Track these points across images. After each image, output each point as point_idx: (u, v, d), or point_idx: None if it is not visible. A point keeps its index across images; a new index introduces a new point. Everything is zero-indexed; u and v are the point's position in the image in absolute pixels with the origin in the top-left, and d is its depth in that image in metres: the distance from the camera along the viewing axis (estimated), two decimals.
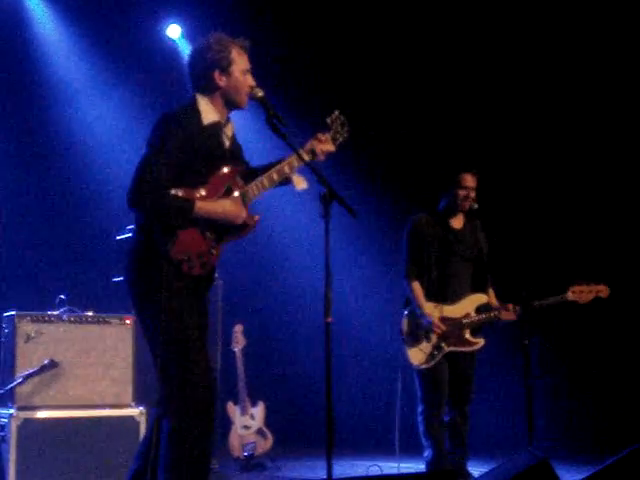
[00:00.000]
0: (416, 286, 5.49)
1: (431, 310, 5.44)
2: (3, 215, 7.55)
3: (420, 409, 5.48)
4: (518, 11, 8.02)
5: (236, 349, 6.97)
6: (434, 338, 5.41)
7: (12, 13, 7.87)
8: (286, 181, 4.04)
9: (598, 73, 7.87)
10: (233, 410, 6.85)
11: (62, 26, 8.17)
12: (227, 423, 6.81)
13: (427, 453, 5.45)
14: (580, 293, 5.47)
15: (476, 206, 5.59)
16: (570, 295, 5.47)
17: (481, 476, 4.46)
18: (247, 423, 6.85)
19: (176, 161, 3.71)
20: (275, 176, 3.96)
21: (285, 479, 6.39)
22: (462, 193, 5.54)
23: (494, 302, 5.60)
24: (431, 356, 5.41)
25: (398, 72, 8.57)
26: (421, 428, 5.47)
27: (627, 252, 7.78)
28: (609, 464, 3.76)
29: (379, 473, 5.60)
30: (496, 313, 5.50)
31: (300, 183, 4.03)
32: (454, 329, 5.43)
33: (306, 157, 3.94)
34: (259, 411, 6.92)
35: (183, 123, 3.78)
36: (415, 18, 8.39)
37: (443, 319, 5.44)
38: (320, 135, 4.06)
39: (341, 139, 4.15)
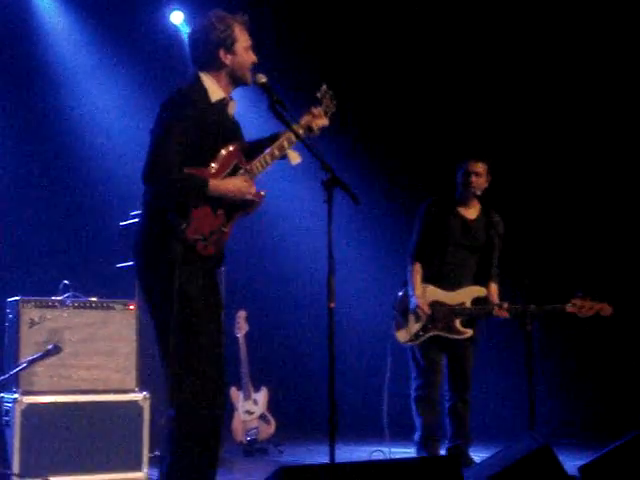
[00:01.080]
0: (415, 268, 5.59)
1: (422, 293, 5.52)
2: (6, 201, 7.56)
3: (413, 387, 5.60)
4: (529, 3, 8.02)
5: (239, 335, 6.99)
6: (424, 319, 5.50)
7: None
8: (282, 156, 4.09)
9: (611, 76, 7.88)
10: (236, 395, 6.87)
11: (66, 13, 8.17)
12: (230, 408, 6.84)
13: (417, 434, 5.57)
14: (581, 308, 5.49)
15: (478, 193, 5.62)
16: (569, 307, 5.49)
17: (483, 461, 4.48)
18: (250, 408, 6.87)
19: (189, 140, 3.73)
20: (276, 152, 4.00)
21: (288, 464, 6.41)
22: (465, 179, 5.59)
23: (494, 298, 5.64)
24: (416, 336, 5.52)
25: (405, 66, 8.54)
26: (413, 407, 5.59)
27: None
28: (611, 449, 3.78)
29: (382, 458, 5.62)
30: (489, 308, 5.55)
31: (295, 158, 4.08)
32: (444, 315, 5.51)
33: (302, 131, 4.00)
34: (262, 396, 6.95)
35: (192, 101, 3.80)
36: (428, 5, 8.37)
37: (435, 303, 5.53)
38: (314, 109, 4.11)
39: (330, 113, 4.20)
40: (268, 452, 6.79)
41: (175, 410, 3.66)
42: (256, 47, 3.99)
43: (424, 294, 5.54)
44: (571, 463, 4.41)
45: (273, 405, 7.01)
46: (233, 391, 6.87)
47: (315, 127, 4.08)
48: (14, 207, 7.57)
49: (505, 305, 5.50)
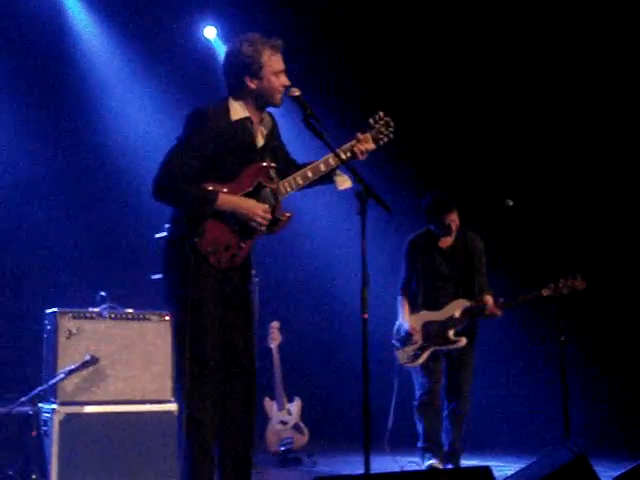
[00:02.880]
0: (403, 301, 5.98)
1: (414, 319, 5.87)
2: (44, 213, 7.65)
3: (415, 398, 5.84)
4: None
5: (272, 345, 7.02)
6: (418, 340, 5.81)
7: (52, 12, 7.97)
8: (327, 180, 4.06)
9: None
10: (270, 405, 6.90)
11: (101, 27, 8.26)
12: (264, 418, 6.87)
13: (419, 441, 5.76)
14: (556, 289, 5.60)
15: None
16: (545, 291, 5.62)
17: (517, 472, 4.46)
18: (284, 418, 6.90)
19: (203, 155, 3.78)
20: (310, 174, 3.99)
21: (321, 474, 6.41)
22: (445, 227, 5.87)
23: (490, 304, 5.76)
24: (414, 356, 5.83)
25: (441, 79, 8.57)
26: (415, 415, 5.81)
27: None
28: None
29: (416, 469, 5.62)
30: (481, 312, 5.77)
31: (344, 183, 4.01)
32: (437, 330, 5.80)
33: (343, 156, 3.96)
34: (295, 406, 6.97)
35: (211, 118, 3.84)
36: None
37: (427, 323, 5.84)
38: (359, 135, 4.07)
39: (386, 139, 4.13)
40: (302, 462, 6.80)
41: (181, 414, 3.76)
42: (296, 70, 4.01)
43: (417, 319, 5.88)
44: (607, 474, 4.38)
45: (306, 415, 7.02)
46: (267, 401, 6.90)
47: (358, 151, 4.02)
48: (51, 219, 7.66)
49: (491, 303, 5.72)
